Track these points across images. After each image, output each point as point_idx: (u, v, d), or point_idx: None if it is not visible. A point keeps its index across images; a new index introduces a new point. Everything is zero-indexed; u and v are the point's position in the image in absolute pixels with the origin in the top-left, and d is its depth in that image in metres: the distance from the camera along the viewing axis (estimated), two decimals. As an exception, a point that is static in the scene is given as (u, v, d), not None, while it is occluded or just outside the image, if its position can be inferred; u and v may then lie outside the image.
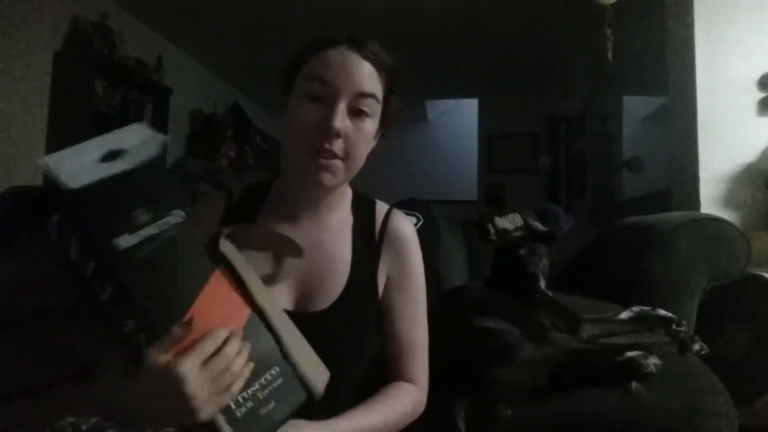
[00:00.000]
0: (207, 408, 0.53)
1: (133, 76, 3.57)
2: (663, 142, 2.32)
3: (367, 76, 0.73)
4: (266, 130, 5.74)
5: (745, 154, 1.79)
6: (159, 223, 0.56)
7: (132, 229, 0.54)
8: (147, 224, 0.55)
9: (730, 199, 1.78)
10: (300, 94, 0.73)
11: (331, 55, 0.72)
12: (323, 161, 0.71)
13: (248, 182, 0.86)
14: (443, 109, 7.06)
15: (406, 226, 0.86)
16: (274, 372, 0.60)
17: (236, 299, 0.60)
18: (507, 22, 3.76)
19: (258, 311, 0.61)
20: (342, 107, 0.70)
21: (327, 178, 0.72)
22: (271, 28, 3.90)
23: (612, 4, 2.18)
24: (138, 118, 3.68)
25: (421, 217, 1.31)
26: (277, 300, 0.72)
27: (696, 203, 1.79)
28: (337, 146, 0.71)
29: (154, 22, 3.88)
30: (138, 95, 3.66)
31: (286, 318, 0.65)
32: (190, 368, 0.52)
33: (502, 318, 0.95)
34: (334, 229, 0.81)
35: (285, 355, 0.61)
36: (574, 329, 0.98)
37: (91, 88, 3.16)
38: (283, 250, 0.74)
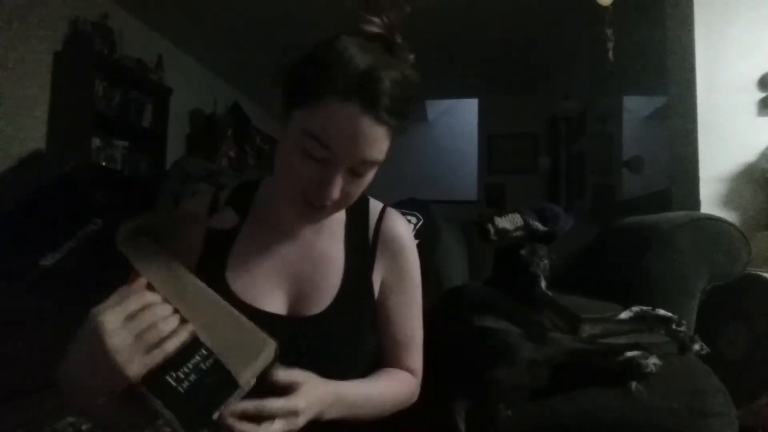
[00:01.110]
0: (133, 365, 0.50)
1: (133, 76, 3.57)
2: (663, 142, 2.32)
3: (377, 144, 0.63)
4: (266, 130, 5.74)
5: (745, 154, 1.79)
6: (78, 234, 0.56)
7: (54, 247, 0.55)
8: (68, 238, 0.56)
9: (730, 199, 1.78)
10: (297, 144, 0.62)
11: (339, 116, 0.59)
12: (317, 212, 0.67)
13: (238, 181, 0.83)
14: (443, 109, 7.05)
15: (401, 226, 0.83)
16: (204, 351, 0.56)
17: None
18: (507, 22, 3.76)
19: (166, 301, 0.58)
20: (341, 174, 0.63)
21: (319, 219, 0.70)
22: (272, 28, 3.90)
23: (612, 4, 2.18)
24: (138, 118, 3.68)
25: (421, 217, 1.31)
26: (269, 303, 0.71)
27: (696, 203, 1.79)
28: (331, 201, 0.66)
29: (154, 22, 3.88)
30: (138, 95, 3.65)
31: (206, 298, 0.60)
32: (109, 318, 0.50)
33: (502, 318, 0.96)
34: (327, 228, 0.78)
35: (199, 342, 0.56)
36: (574, 329, 0.98)
37: (91, 88, 3.16)
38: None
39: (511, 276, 1.08)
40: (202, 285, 0.61)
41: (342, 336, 0.73)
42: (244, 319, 0.59)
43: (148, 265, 0.60)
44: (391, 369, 0.80)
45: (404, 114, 0.65)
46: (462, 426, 0.84)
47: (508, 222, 1.76)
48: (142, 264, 0.59)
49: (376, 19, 0.65)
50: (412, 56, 0.67)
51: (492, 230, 1.75)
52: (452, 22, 3.77)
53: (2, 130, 2.76)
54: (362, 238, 0.79)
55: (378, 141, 0.62)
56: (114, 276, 0.58)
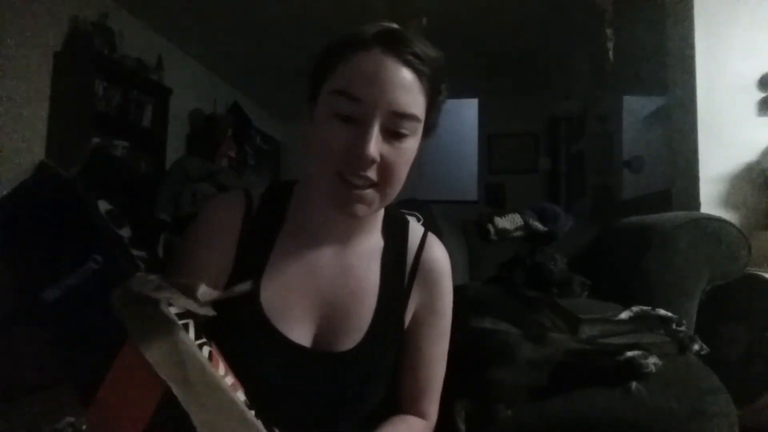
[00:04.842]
0: None
1: (133, 76, 3.57)
2: (663, 142, 2.32)
3: (405, 89, 0.59)
4: (266, 130, 5.74)
5: (745, 154, 1.79)
6: (78, 272, 0.50)
7: (55, 280, 0.50)
8: (68, 273, 0.50)
9: (730, 199, 1.77)
10: (327, 110, 0.60)
11: (362, 63, 0.59)
12: (356, 192, 0.60)
13: (269, 183, 0.74)
14: (443, 109, 7.04)
15: (442, 254, 0.77)
16: None
17: (144, 374, 0.49)
18: (507, 21, 3.76)
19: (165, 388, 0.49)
20: (376, 129, 0.58)
21: (360, 210, 0.61)
22: (272, 28, 3.90)
23: (612, 4, 2.18)
24: (138, 118, 3.68)
25: (421, 217, 1.31)
26: (298, 332, 0.65)
27: (696, 203, 1.79)
28: (371, 173, 0.59)
29: (154, 22, 3.88)
30: (138, 95, 3.66)
31: (211, 388, 0.51)
32: None
33: (501, 318, 0.95)
34: (364, 255, 0.71)
35: None
36: (573, 329, 0.98)
37: (91, 88, 3.16)
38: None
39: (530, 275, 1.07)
40: (210, 371, 0.52)
41: (371, 374, 0.69)
42: (248, 414, 0.52)
43: (148, 342, 0.50)
44: (402, 420, 0.73)
45: (434, 63, 0.62)
46: (462, 426, 0.84)
47: (508, 222, 1.76)
48: (142, 341, 0.50)
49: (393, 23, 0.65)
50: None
51: (492, 230, 1.75)
52: (452, 22, 3.77)
53: (2, 130, 2.76)
54: (400, 266, 0.73)
55: (407, 88, 0.59)
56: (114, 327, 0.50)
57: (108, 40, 3.34)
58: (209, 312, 0.53)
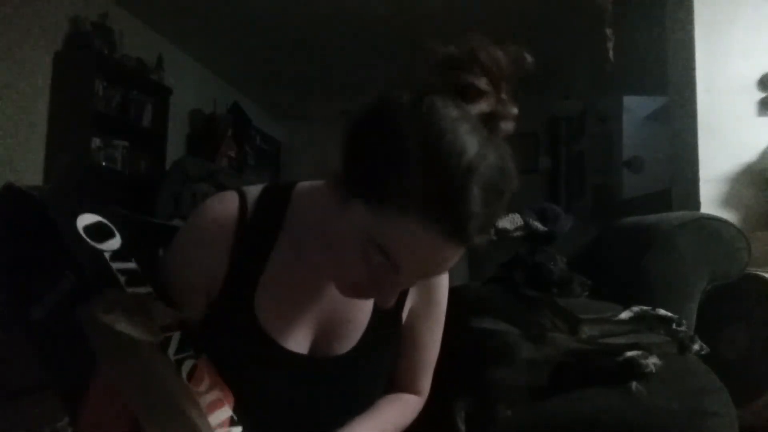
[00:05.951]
0: None
1: (133, 76, 3.57)
2: (663, 142, 2.32)
3: (450, 264, 0.53)
4: (266, 130, 5.74)
5: (745, 154, 1.79)
6: (57, 288, 0.49)
7: (39, 298, 0.49)
8: (49, 291, 0.49)
9: (730, 199, 1.78)
10: (356, 244, 0.51)
11: (419, 243, 0.48)
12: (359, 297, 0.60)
13: (265, 186, 0.69)
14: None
15: None
16: None
17: (117, 398, 0.47)
18: (507, 22, 3.76)
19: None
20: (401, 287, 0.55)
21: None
22: (272, 29, 3.90)
23: (612, 4, 2.18)
24: (138, 118, 3.68)
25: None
26: (294, 340, 0.64)
27: (696, 203, 1.80)
28: None
29: (154, 22, 3.88)
30: (138, 95, 3.66)
31: (174, 415, 0.47)
32: None
33: (501, 318, 0.95)
34: None
35: None
36: (573, 329, 0.98)
37: (91, 88, 3.16)
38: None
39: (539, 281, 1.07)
40: (175, 396, 0.48)
41: (366, 377, 0.69)
42: None
43: (114, 365, 0.47)
44: (397, 398, 0.75)
45: (492, 224, 0.53)
46: (462, 426, 0.84)
47: (508, 222, 1.76)
48: (108, 363, 0.47)
49: (483, 81, 0.52)
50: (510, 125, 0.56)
51: (492, 230, 1.75)
52: (452, 22, 3.77)
53: (2, 130, 2.76)
54: None
55: (453, 261, 0.53)
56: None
57: (108, 40, 3.34)
58: (160, 333, 0.51)
